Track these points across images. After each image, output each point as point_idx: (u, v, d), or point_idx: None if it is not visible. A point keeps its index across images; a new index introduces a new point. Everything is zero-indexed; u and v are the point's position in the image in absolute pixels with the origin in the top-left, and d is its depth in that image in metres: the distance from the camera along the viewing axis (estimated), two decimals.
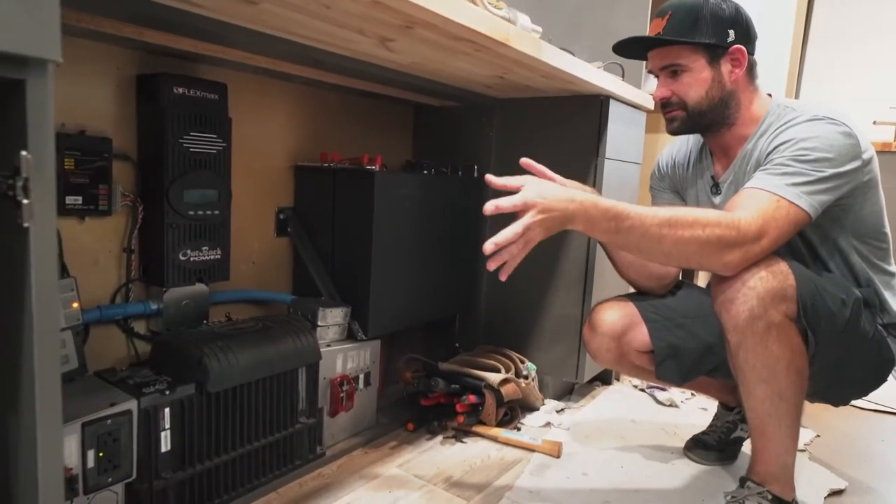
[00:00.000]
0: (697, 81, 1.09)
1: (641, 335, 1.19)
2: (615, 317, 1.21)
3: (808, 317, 0.98)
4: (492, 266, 0.92)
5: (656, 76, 1.15)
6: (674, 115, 1.14)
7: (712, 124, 1.14)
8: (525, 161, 1.04)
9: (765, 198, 0.97)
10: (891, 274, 1.13)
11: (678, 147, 1.32)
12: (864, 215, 1.08)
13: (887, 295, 1.11)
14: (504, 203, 0.89)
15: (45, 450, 0.51)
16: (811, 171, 0.97)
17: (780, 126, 1.06)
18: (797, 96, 3.29)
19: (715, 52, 1.08)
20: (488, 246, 0.88)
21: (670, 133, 1.18)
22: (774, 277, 0.96)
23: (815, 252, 1.11)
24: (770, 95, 1.16)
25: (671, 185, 1.34)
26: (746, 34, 1.09)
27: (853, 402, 1.77)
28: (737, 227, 0.94)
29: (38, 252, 0.48)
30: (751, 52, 1.10)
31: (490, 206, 0.88)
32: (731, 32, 1.07)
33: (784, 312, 0.97)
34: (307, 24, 0.97)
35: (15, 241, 0.49)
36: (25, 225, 0.48)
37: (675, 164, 1.31)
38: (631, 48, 1.15)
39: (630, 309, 1.21)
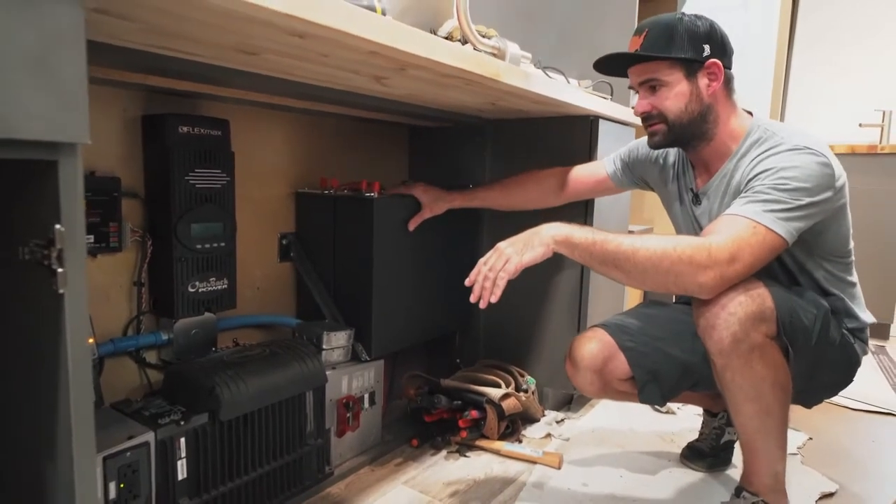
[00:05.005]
0: (676, 95, 1.12)
1: (621, 364, 1.21)
2: (594, 350, 1.22)
3: (788, 334, 1.04)
4: (472, 299, 1.11)
5: (636, 92, 1.18)
6: (655, 128, 1.16)
7: (692, 138, 1.16)
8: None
9: (741, 223, 1.00)
10: (853, 284, 1.19)
11: (660, 153, 1.34)
12: (832, 238, 1.12)
13: (851, 303, 1.17)
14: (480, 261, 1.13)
15: (82, 492, 0.56)
16: (789, 199, 1.00)
17: (762, 153, 1.08)
18: (784, 101, 3.35)
19: (691, 67, 1.10)
20: (466, 281, 1.12)
21: (652, 147, 1.20)
22: (753, 301, 1.00)
23: (786, 268, 1.16)
24: (751, 114, 1.18)
25: (632, 168, 1.41)
26: (722, 49, 1.11)
27: (846, 405, 1.85)
28: (707, 250, 0.98)
29: (72, 315, 0.53)
30: (727, 67, 1.13)
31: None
32: (707, 47, 1.09)
33: (765, 333, 1.01)
34: (305, 67, 1.02)
35: (51, 305, 0.53)
36: (61, 291, 0.52)
37: (650, 160, 1.36)
38: (611, 66, 1.18)
39: (606, 339, 1.23)
